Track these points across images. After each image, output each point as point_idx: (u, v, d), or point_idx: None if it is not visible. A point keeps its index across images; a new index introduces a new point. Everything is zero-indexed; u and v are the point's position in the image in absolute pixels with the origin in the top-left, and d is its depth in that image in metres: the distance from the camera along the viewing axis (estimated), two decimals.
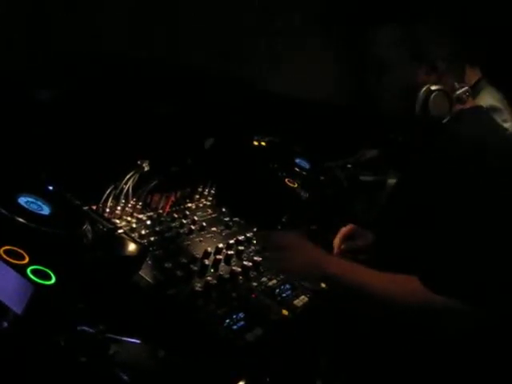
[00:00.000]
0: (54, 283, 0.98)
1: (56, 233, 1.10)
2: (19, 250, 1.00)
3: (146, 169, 1.58)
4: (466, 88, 1.43)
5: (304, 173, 2.11)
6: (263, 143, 2.14)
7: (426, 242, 1.32)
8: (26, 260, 0.99)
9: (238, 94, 2.11)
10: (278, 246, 1.45)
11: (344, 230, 1.87)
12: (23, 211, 1.11)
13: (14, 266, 0.96)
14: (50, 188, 1.29)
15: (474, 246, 1.27)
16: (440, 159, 1.40)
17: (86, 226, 1.21)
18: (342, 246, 1.84)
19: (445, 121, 1.42)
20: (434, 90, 1.39)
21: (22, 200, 1.15)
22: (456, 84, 1.43)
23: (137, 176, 1.57)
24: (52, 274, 0.99)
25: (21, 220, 1.06)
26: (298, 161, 2.17)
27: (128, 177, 1.55)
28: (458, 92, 1.42)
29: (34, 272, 0.97)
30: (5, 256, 0.97)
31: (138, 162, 1.57)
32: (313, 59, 2.55)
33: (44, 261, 1.00)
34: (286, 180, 2.02)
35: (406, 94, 1.41)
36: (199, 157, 1.85)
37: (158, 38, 1.83)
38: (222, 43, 2.04)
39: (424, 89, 1.39)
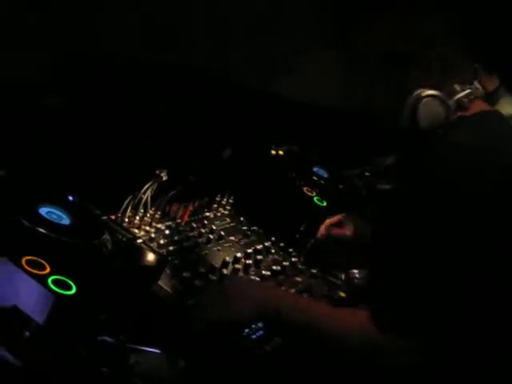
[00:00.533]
0: (75, 293, 0.99)
1: (76, 243, 1.11)
2: (40, 260, 1.01)
3: (164, 178, 1.58)
4: (469, 91, 1.23)
5: (322, 181, 2.11)
6: (281, 152, 2.14)
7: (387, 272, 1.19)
8: (47, 270, 1.00)
9: (256, 103, 2.11)
10: (216, 294, 1.29)
11: (336, 217, 1.83)
12: (44, 222, 1.12)
13: (35, 276, 0.97)
14: (70, 198, 1.30)
15: (438, 281, 1.12)
16: (421, 179, 1.22)
17: (106, 236, 1.22)
18: (325, 231, 1.81)
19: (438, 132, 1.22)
20: (425, 96, 1.19)
21: (43, 210, 1.16)
22: (457, 86, 1.22)
23: (155, 185, 1.58)
24: (73, 284, 1.00)
25: (42, 230, 1.07)
26: (315, 169, 2.17)
27: (146, 186, 1.56)
28: (458, 96, 1.22)
29: (54, 282, 0.98)
30: (26, 266, 0.98)
31: (157, 172, 1.58)
32: (328, 65, 2.54)
33: (65, 271, 1.01)
34: (305, 189, 2.01)
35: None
36: (217, 166, 1.86)
37: (174, 47, 1.84)
38: (242, 51, 2.05)
39: (413, 95, 1.19)
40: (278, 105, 2.24)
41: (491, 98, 1.65)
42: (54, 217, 1.16)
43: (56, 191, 1.29)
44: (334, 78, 2.62)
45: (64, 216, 1.19)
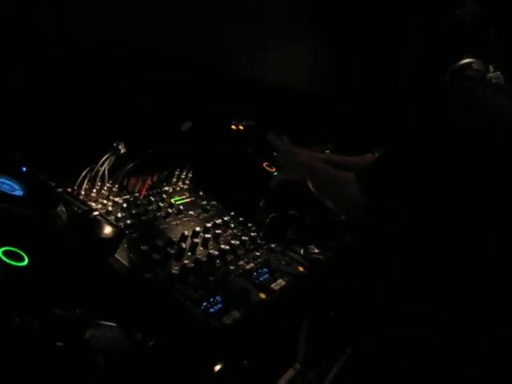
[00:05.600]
0: (27, 265, 0.96)
1: (29, 214, 1.08)
2: None
3: (122, 151, 1.55)
4: (498, 73, 1.38)
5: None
6: (241, 127, 2.12)
7: None
8: None
9: (217, 78, 2.08)
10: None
11: None
12: None
13: None
14: (24, 169, 1.26)
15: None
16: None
17: (61, 208, 1.19)
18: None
19: None
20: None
21: None
22: (490, 67, 1.38)
23: (113, 158, 1.54)
24: (25, 256, 0.97)
25: None
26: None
27: (104, 159, 1.53)
28: (489, 75, 1.37)
29: (5, 253, 0.95)
30: None
31: (114, 144, 1.55)
32: (291, 46, 2.53)
33: (16, 242, 0.98)
34: (264, 164, 2.01)
35: None
36: (177, 140, 1.83)
37: (135, 24, 1.80)
38: (198, 30, 2.02)
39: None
40: (242, 82, 2.22)
41: None
42: (6, 187, 1.13)
43: (9, 162, 1.25)
44: (300, 62, 2.63)
45: (17, 187, 1.16)
